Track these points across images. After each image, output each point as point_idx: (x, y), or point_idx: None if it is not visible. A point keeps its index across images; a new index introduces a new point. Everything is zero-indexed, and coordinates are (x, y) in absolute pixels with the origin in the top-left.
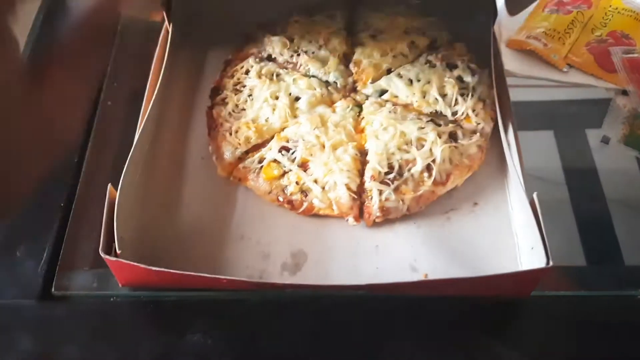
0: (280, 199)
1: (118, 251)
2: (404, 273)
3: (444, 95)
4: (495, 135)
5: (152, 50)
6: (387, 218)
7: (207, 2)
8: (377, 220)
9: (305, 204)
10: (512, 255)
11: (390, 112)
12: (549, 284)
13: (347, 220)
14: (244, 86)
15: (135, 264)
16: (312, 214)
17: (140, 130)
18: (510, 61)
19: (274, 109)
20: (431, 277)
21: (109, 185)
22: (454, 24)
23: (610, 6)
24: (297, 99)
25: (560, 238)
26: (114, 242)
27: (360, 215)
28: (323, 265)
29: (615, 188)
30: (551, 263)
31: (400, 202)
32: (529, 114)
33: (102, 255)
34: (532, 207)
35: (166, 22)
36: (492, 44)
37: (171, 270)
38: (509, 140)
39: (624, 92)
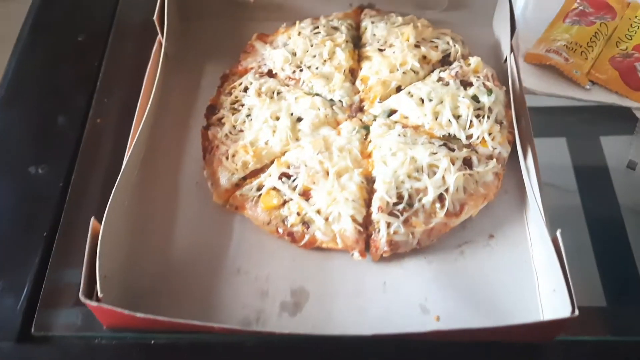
0: (280, 230)
1: (100, 294)
2: (414, 314)
3: (457, 117)
4: (512, 159)
5: (146, 62)
6: (396, 252)
7: (204, 11)
8: (384, 255)
9: (307, 237)
10: (531, 295)
11: (399, 135)
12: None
13: (352, 254)
14: (242, 105)
15: (117, 309)
16: (314, 247)
17: (128, 154)
18: (529, 77)
19: (274, 131)
20: (443, 319)
21: (92, 218)
22: (469, 34)
23: (636, 17)
24: (300, 119)
25: (572, 244)
26: (96, 282)
27: (366, 249)
28: (326, 304)
29: (631, 197)
30: (577, 312)
31: (410, 235)
32: (540, 120)
33: (82, 299)
34: (555, 246)
35: (159, 35)
36: (510, 60)
37: (156, 317)
38: (527, 166)
39: None
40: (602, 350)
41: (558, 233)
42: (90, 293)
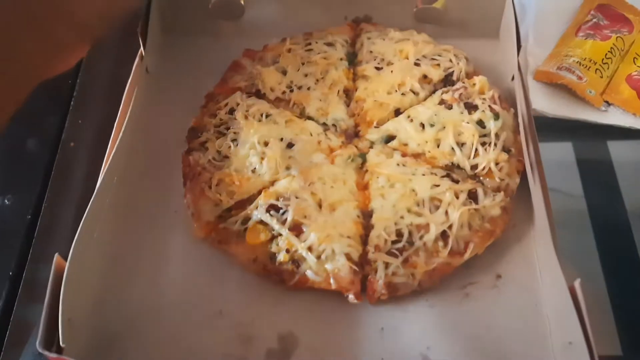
0: (268, 269)
1: (62, 343)
2: None
3: (461, 144)
4: (519, 188)
5: (125, 79)
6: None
7: (189, 25)
8: (382, 297)
9: (297, 276)
10: (543, 345)
11: (398, 164)
12: None
13: (347, 297)
14: (228, 128)
15: None
16: (305, 287)
17: (100, 180)
18: (538, 97)
19: (262, 158)
20: None
21: (56, 255)
22: (473, 48)
23: None
24: (290, 145)
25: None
26: (58, 329)
27: (362, 290)
28: (317, 353)
29: (638, 202)
30: None
31: (410, 276)
32: (546, 122)
33: (40, 349)
34: (573, 296)
35: (141, 48)
36: (517, 80)
37: None
38: (538, 200)
39: None
40: None
41: (577, 283)
42: (51, 341)
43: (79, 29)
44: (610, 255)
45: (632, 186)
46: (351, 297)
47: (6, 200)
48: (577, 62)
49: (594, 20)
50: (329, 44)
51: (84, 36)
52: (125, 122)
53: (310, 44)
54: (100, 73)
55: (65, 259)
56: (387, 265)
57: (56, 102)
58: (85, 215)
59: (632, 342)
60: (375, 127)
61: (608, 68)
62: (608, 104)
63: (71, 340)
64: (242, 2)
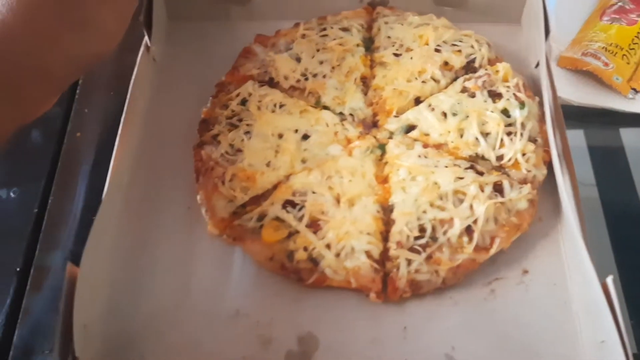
0: (285, 267)
1: (77, 354)
2: None
3: (486, 135)
4: (546, 180)
5: (131, 67)
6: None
7: (195, 10)
8: (404, 296)
9: (315, 275)
10: (573, 343)
11: (420, 155)
12: None
13: (368, 296)
14: (240, 120)
15: None
16: (323, 286)
17: (109, 180)
18: (563, 85)
19: (276, 152)
20: None
21: (68, 263)
22: (493, 34)
23: None
24: (306, 137)
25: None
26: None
27: (383, 288)
28: (338, 355)
29: None
30: None
31: (434, 273)
32: None
33: None
34: (606, 293)
35: (146, 37)
36: (542, 67)
37: None
38: (567, 193)
39: None
40: None
41: (609, 280)
42: (67, 351)
43: (46, 81)
44: (623, 245)
45: None
46: (372, 295)
47: (12, 194)
48: (603, 47)
49: (619, 3)
50: (345, 29)
51: (52, 88)
52: (132, 115)
53: (325, 29)
54: (105, 61)
55: (76, 261)
56: (409, 262)
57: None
58: (96, 218)
59: None
60: (394, 116)
61: (635, 54)
62: (635, 91)
63: (87, 346)
64: None
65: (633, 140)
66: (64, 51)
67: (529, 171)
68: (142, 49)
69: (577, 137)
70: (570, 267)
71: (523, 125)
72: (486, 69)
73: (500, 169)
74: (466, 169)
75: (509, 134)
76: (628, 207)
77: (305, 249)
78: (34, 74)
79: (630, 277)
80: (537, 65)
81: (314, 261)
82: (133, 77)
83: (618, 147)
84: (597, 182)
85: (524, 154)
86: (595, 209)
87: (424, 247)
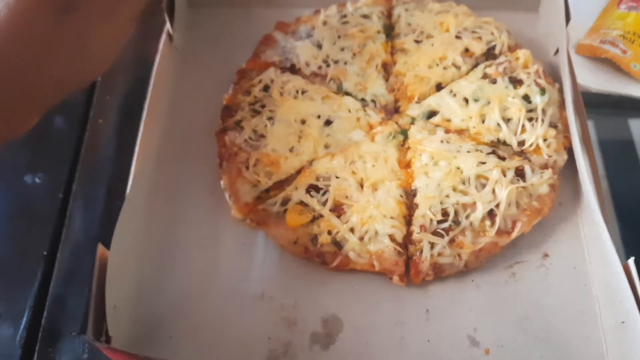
0: (309, 250)
1: (110, 333)
2: (462, 347)
3: (507, 120)
4: (566, 166)
5: (152, 53)
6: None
7: None
8: (427, 279)
9: (339, 258)
10: (592, 325)
11: (442, 141)
12: None
13: (391, 279)
14: (263, 106)
15: (128, 353)
16: (347, 269)
17: (134, 165)
18: (581, 72)
19: (299, 137)
20: (494, 353)
21: (99, 244)
22: (511, 20)
23: None
24: (328, 122)
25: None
26: (105, 320)
27: (406, 271)
28: (362, 336)
29: None
30: None
31: (457, 257)
32: None
33: (91, 341)
34: (627, 274)
35: (167, 25)
36: (562, 53)
37: None
38: (587, 177)
39: None
40: None
41: (631, 261)
42: (99, 331)
43: (29, 103)
44: (634, 237)
45: None
46: (395, 278)
47: (37, 179)
48: (621, 35)
49: None
50: (365, 16)
51: (34, 110)
52: (156, 102)
53: (345, 16)
54: (126, 47)
55: (105, 245)
56: (432, 245)
57: None
58: (124, 203)
59: None
60: (416, 102)
61: None
62: None
63: (117, 326)
64: None
65: None
66: (51, 77)
67: (550, 156)
68: (163, 36)
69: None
70: (590, 250)
71: (544, 111)
72: (506, 56)
73: (521, 154)
74: (488, 154)
75: (530, 119)
76: (638, 196)
77: (329, 232)
78: (17, 95)
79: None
80: (556, 52)
81: (337, 245)
82: (155, 64)
83: (627, 138)
84: (607, 173)
85: (545, 140)
86: (606, 200)
87: (447, 230)
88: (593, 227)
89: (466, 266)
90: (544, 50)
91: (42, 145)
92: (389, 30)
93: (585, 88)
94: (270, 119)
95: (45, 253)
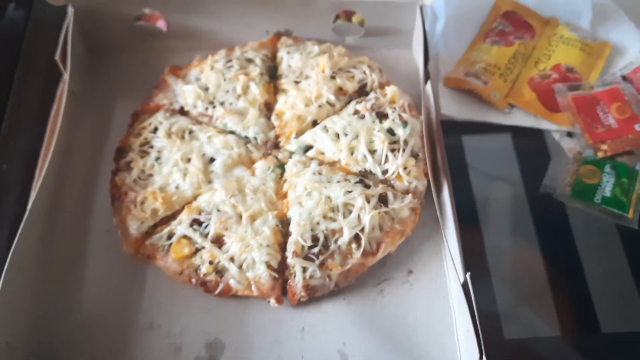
0: (193, 280)
1: None
2: None
3: (373, 152)
4: (430, 190)
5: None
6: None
7: (113, 43)
8: (302, 299)
9: (221, 286)
10: (449, 334)
11: (314, 173)
12: None
13: (269, 302)
14: (152, 147)
15: None
16: (229, 295)
17: (31, 203)
18: (448, 102)
19: (184, 175)
20: None
21: None
22: (390, 57)
23: (555, 34)
24: (212, 160)
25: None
26: None
27: (283, 293)
28: (242, 357)
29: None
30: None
31: (327, 278)
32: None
33: None
34: (465, 290)
35: (63, 72)
36: (423, 89)
37: None
38: (443, 201)
39: (569, 134)
40: None
41: (467, 276)
42: None
43: None
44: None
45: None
46: (272, 301)
47: None
48: (483, 68)
49: (500, 27)
50: (250, 60)
51: None
52: (52, 146)
53: (231, 60)
54: (31, 96)
55: None
56: (304, 269)
57: None
58: (15, 241)
59: (569, 323)
60: (294, 138)
61: (511, 72)
62: (512, 106)
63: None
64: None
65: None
66: None
67: (410, 183)
68: (60, 83)
69: (506, 141)
70: (448, 264)
71: (406, 142)
72: (376, 93)
73: (385, 182)
74: (355, 183)
75: (393, 150)
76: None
77: (211, 262)
78: None
79: (555, 267)
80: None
81: (219, 273)
82: (52, 110)
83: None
84: (523, 180)
85: (405, 168)
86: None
87: (317, 255)
88: (452, 245)
89: (337, 286)
90: (417, 82)
91: None
92: (273, 72)
93: (450, 117)
94: (157, 159)
95: None
